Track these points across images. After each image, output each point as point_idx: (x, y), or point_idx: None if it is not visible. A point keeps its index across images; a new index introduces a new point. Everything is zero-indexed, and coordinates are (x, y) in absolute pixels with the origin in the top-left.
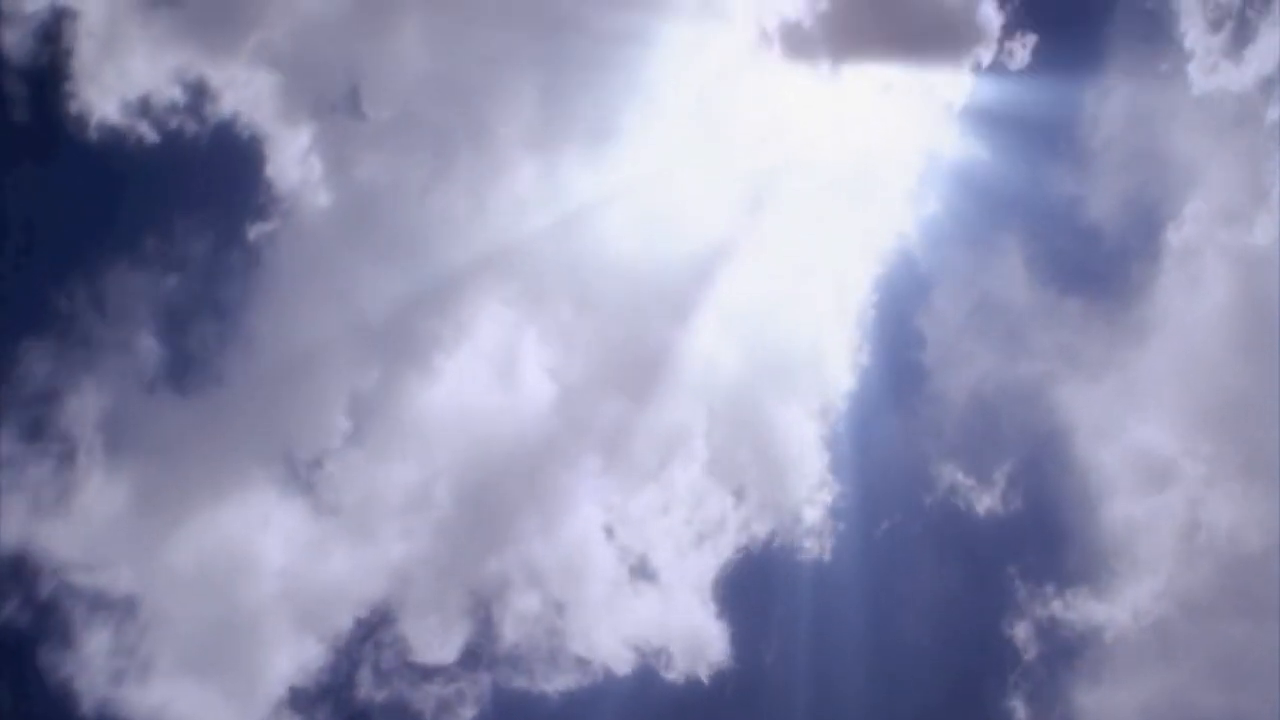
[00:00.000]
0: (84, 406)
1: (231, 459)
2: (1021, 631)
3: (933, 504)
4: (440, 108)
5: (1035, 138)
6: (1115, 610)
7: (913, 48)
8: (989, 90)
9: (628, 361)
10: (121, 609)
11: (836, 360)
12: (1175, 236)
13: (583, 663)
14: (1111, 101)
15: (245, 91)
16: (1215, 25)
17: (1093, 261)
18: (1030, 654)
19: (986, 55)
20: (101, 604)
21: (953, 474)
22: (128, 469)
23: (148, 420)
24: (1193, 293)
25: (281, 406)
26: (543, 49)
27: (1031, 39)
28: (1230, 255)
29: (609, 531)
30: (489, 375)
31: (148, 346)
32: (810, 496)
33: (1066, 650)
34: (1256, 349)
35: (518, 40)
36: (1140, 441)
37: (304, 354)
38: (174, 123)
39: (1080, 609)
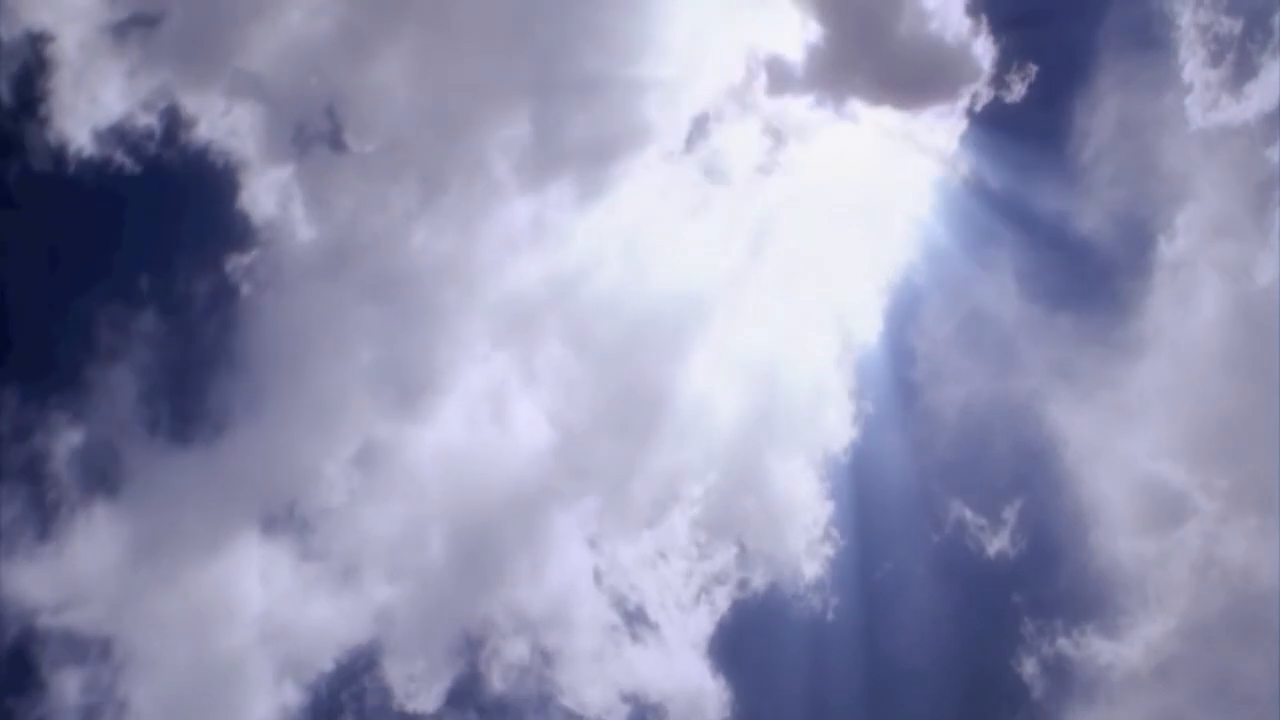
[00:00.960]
0: (59, 444)
1: (213, 500)
2: (1030, 669)
3: (940, 543)
4: (427, 140)
5: (1033, 173)
6: (1123, 648)
7: (908, 84)
8: (985, 124)
9: (623, 406)
10: (97, 652)
11: (837, 405)
12: (1168, 251)
13: (572, 716)
14: (1108, 131)
15: (224, 122)
16: (1216, 59)
17: (1094, 287)
18: (1038, 691)
19: (984, 90)
20: (76, 646)
21: (960, 510)
22: (103, 509)
23: (126, 459)
24: (1208, 332)
25: (265, 447)
26: (532, 81)
27: (1030, 70)
28: (1232, 296)
29: (601, 580)
30: (480, 417)
31: (125, 384)
32: (811, 549)
33: (1075, 688)
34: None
35: (506, 73)
36: (1149, 474)
37: (288, 394)
38: (151, 152)
39: (1089, 646)
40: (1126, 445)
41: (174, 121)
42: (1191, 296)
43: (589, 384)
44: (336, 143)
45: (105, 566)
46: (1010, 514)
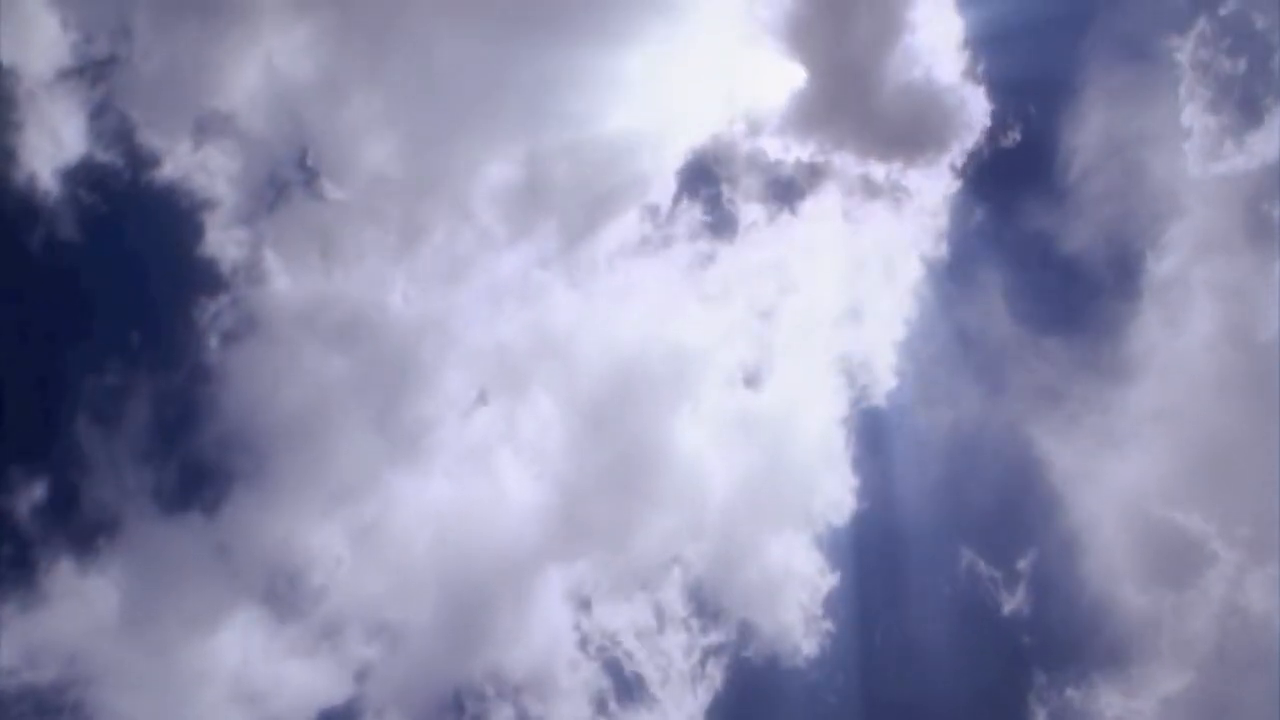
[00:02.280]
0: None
1: (192, 560)
2: None
3: (949, 598)
4: (408, 188)
5: (1031, 223)
6: (1137, 702)
7: (899, 136)
8: (978, 177)
9: (614, 466)
10: (69, 714)
11: (837, 469)
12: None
13: None
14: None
15: (196, 167)
16: (1216, 106)
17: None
18: None
19: (977, 140)
20: (45, 709)
21: (971, 561)
22: (71, 568)
23: (92, 512)
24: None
25: (244, 507)
26: (517, 129)
27: (1026, 112)
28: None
29: (589, 645)
30: (467, 477)
31: (95, 436)
32: (810, 626)
33: None
34: None
35: (491, 121)
36: (1163, 522)
37: (266, 453)
38: (118, 191)
39: (1102, 700)
40: (1140, 489)
41: (139, 161)
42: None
43: (579, 443)
44: (312, 189)
45: (78, 628)
46: (1024, 565)
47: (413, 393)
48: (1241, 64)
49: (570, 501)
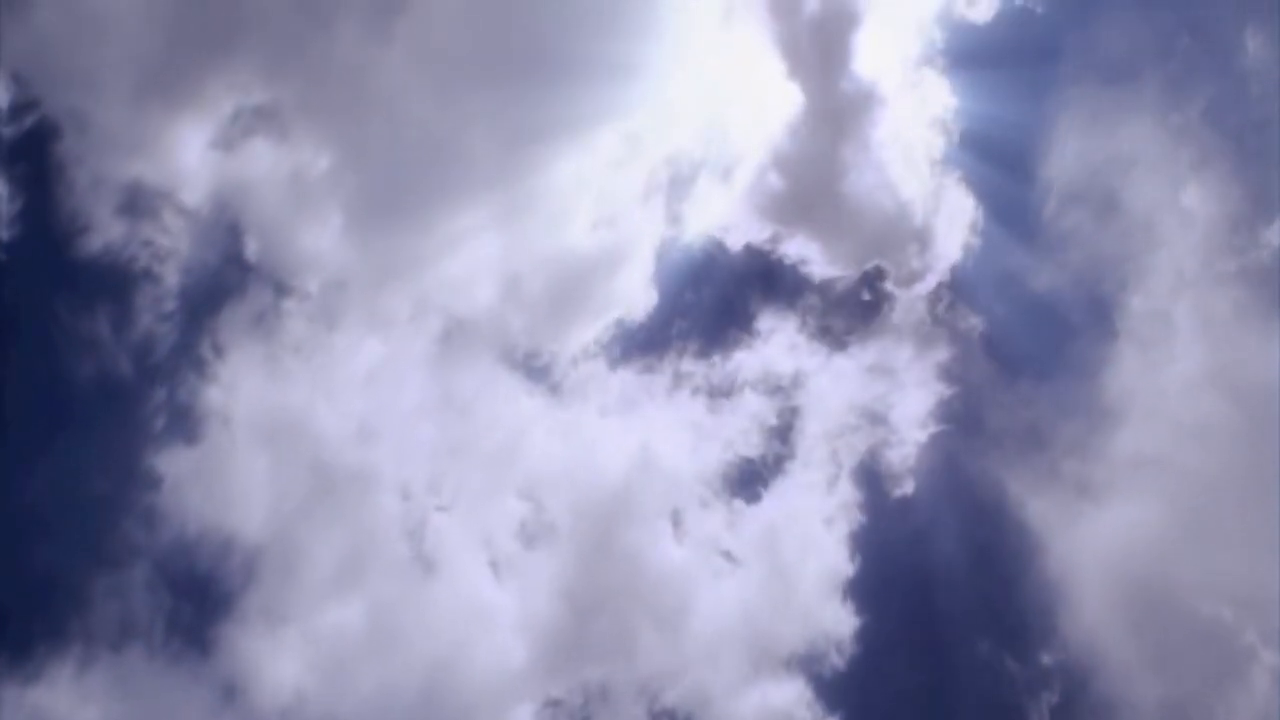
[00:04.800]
0: None
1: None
2: None
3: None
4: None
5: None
6: None
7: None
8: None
9: (599, 623)
10: None
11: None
12: None
13: None
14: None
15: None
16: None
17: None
18: None
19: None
20: None
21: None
22: None
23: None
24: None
25: (216, 645)
26: (483, 218)
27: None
28: None
29: None
30: (440, 602)
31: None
32: None
33: None
34: None
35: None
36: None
37: (232, 587)
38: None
39: None
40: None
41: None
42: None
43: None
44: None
45: None
46: (1048, 659)
47: (366, 502)
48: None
49: (551, 637)
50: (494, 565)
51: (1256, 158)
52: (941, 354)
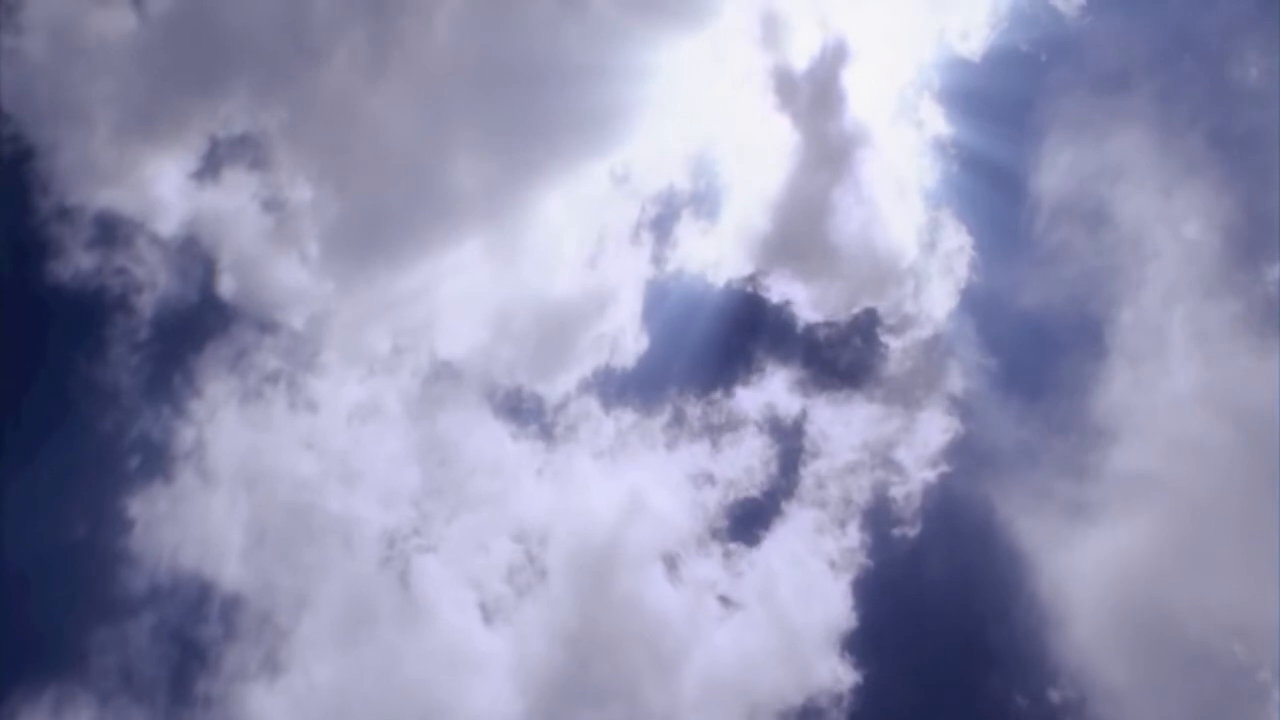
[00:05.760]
0: None
1: None
2: None
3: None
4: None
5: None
6: None
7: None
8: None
9: (591, 671)
10: None
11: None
12: None
13: None
14: None
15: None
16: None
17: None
18: None
19: None
20: None
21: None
22: None
23: None
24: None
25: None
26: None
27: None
28: None
29: None
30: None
31: None
32: None
33: None
34: None
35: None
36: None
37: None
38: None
39: None
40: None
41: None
42: None
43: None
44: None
45: None
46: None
47: (350, 547)
48: None
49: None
50: (484, 611)
51: (1249, 172)
52: (939, 399)
